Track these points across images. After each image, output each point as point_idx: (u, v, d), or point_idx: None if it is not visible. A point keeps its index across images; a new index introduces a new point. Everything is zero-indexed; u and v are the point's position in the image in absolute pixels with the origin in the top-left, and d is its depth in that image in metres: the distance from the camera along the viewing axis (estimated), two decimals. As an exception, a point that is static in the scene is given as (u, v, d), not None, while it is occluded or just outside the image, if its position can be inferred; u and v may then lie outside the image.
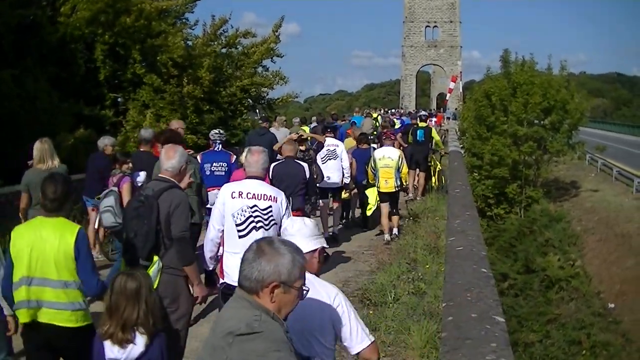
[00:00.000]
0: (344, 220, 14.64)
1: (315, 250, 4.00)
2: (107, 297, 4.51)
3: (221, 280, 6.29)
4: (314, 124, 20.33)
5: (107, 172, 10.23)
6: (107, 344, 4.45)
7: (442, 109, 73.63)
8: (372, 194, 13.20)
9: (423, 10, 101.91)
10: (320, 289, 3.88)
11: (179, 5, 24.54)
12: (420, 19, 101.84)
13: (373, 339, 3.93)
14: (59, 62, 19.09)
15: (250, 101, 27.01)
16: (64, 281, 4.98)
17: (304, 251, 3.66)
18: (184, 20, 26.22)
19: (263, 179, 6.50)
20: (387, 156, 12.94)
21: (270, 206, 6.19)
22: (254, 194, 6.19)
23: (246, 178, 6.42)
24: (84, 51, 20.14)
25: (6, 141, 15.94)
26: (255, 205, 6.15)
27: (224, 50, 26.09)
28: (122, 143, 19.35)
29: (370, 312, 8.71)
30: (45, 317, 5.01)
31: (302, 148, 12.43)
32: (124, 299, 4.46)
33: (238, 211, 6.13)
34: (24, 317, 5.03)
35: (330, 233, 12.89)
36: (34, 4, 18.78)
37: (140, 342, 4.50)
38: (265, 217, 6.15)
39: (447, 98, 72.99)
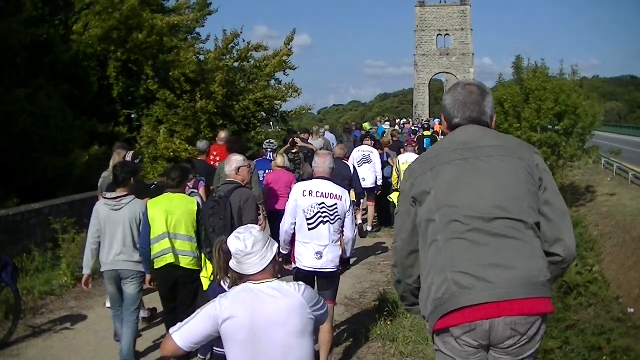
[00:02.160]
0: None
1: (274, 258, 3.99)
2: (218, 257, 4.89)
3: (293, 265, 7.40)
4: (326, 132, 21.73)
5: None
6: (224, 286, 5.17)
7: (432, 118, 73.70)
8: (396, 196, 13.78)
9: (434, 18, 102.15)
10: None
11: (190, 21, 24.64)
12: (431, 27, 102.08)
13: None
14: (72, 79, 19.18)
15: (264, 114, 26.94)
16: (189, 236, 7.15)
17: (266, 265, 3.87)
18: (195, 35, 26.40)
19: (329, 179, 7.36)
20: (410, 161, 13.55)
21: (336, 204, 7.12)
22: (322, 193, 7.15)
23: (315, 178, 7.38)
24: (97, 68, 20.25)
25: (20, 159, 16.02)
26: (323, 203, 7.09)
27: (236, 64, 26.06)
28: (137, 159, 19.41)
29: (388, 322, 8.66)
30: (178, 260, 7.10)
31: (294, 151, 14.56)
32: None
33: (308, 207, 7.07)
34: (167, 260, 7.08)
35: (358, 223, 14.07)
36: (47, 22, 18.90)
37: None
38: (331, 213, 7.08)
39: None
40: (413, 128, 33.34)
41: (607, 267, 22.26)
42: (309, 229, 7.06)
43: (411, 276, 3.68)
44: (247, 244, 3.86)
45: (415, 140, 17.62)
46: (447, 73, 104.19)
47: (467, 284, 3.26)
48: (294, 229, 7.21)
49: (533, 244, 3.37)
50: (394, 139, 18.34)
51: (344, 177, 11.66)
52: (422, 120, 46.84)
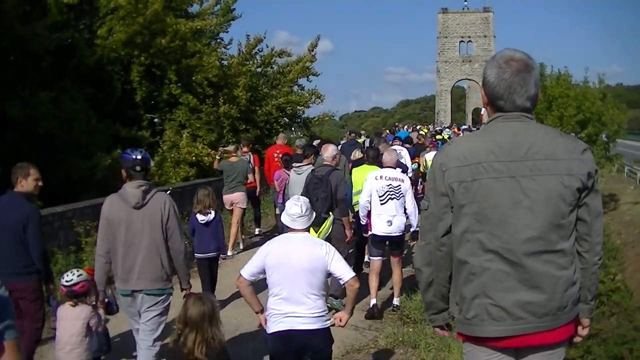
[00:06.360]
0: None
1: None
2: (196, 198, 9.47)
3: (369, 232, 10.00)
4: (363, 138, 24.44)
5: None
6: (199, 215, 9.42)
7: (455, 124, 73.76)
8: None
9: (457, 25, 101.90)
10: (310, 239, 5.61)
11: (213, 26, 24.68)
12: (454, 34, 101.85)
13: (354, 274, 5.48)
14: (96, 83, 19.22)
15: (287, 120, 26.98)
16: None
17: (308, 225, 5.55)
18: (218, 40, 26.39)
19: (395, 167, 10.08)
20: None
21: (400, 185, 9.66)
22: (389, 177, 9.70)
23: (384, 167, 10.00)
24: (121, 73, 20.26)
25: (44, 162, 16.07)
26: (390, 184, 9.62)
27: (259, 70, 26.15)
28: (159, 163, 19.45)
29: (410, 329, 8.64)
30: None
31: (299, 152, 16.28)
32: (205, 196, 9.37)
33: (379, 188, 9.63)
34: None
35: None
36: (72, 27, 18.96)
37: (212, 214, 9.41)
38: (397, 191, 9.60)
39: (482, 112, 72.67)
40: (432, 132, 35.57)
41: (630, 276, 22.05)
42: (381, 204, 9.58)
43: (446, 271, 3.54)
44: (302, 209, 5.46)
45: (436, 142, 21.06)
46: (469, 80, 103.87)
47: (497, 316, 3.33)
48: (370, 204, 9.69)
49: (569, 273, 3.37)
50: (419, 141, 21.76)
51: None
52: (443, 126, 47.81)
